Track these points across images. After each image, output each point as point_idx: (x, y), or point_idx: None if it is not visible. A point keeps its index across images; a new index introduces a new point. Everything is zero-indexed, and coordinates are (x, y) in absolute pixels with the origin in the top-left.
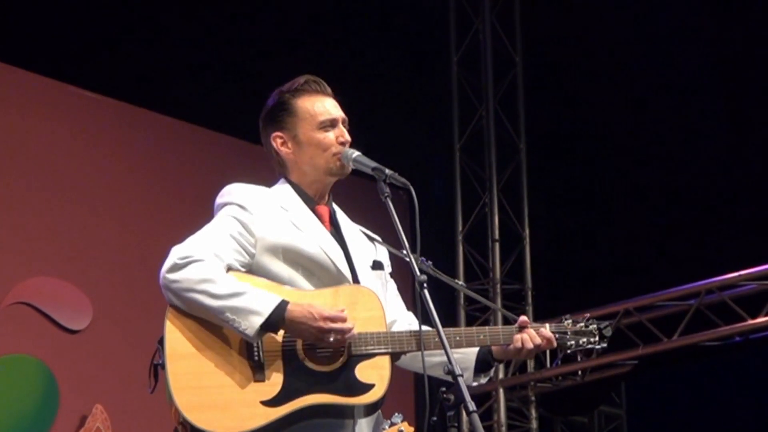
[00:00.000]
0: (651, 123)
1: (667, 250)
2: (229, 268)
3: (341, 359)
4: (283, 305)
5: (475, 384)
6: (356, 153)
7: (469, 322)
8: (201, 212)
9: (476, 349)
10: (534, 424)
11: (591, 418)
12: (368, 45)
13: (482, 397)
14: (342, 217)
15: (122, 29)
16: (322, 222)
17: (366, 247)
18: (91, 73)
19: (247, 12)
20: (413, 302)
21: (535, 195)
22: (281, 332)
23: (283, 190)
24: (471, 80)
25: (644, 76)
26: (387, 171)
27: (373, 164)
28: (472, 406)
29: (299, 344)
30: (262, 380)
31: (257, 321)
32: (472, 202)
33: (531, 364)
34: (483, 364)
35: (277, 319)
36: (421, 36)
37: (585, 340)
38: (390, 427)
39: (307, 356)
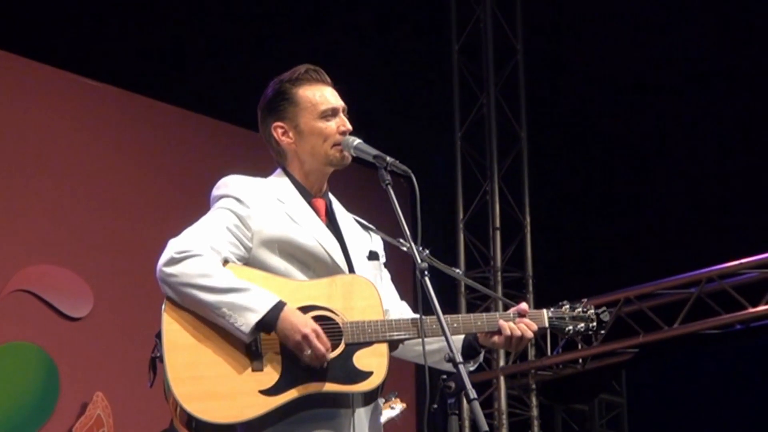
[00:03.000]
0: (652, 110)
1: (667, 239)
2: (226, 262)
3: (339, 348)
4: (280, 305)
5: None
6: (357, 141)
7: (470, 311)
8: (202, 200)
9: (461, 337)
10: (534, 412)
11: (592, 406)
12: (369, 33)
13: (483, 384)
14: (338, 208)
15: (122, 17)
16: (318, 214)
17: (362, 238)
18: (92, 61)
19: (246, 0)
20: (413, 290)
21: (536, 183)
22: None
23: (280, 182)
24: (472, 68)
25: (645, 63)
26: (388, 158)
27: (374, 152)
28: (472, 393)
29: None
30: (261, 369)
31: (253, 318)
32: (473, 190)
33: (532, 352)
34: (469, 350)
35: (272, 318)
36: (422, 24)
37: (583, 325)
38: (384, 403)
39: None
